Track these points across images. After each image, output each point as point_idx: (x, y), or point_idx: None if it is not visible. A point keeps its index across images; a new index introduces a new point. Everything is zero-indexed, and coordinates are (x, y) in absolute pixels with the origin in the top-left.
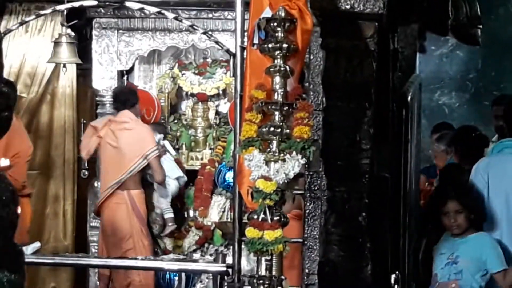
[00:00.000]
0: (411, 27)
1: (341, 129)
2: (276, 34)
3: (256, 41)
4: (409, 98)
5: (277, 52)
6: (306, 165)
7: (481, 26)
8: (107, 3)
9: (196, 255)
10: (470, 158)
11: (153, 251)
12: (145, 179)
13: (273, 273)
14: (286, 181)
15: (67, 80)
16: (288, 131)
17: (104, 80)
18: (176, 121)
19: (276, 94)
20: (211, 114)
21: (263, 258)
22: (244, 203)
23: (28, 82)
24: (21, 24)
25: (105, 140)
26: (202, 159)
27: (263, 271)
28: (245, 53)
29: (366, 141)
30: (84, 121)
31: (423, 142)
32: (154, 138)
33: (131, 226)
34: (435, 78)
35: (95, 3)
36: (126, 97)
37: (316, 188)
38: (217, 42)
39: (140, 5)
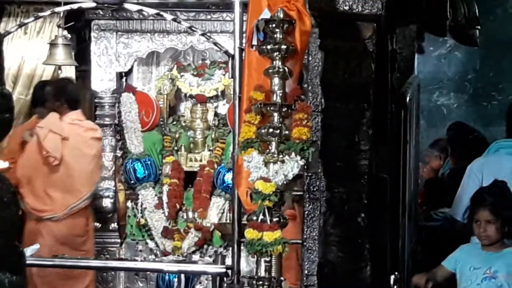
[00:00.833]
0: (410, 28)
1: (340, 130)
2: (275, 36)
3: (254, 42)
4: (407, 99)
5: (275, 54)
6: (305, 166)
7: (479, 27)
8: (106, 5)
9: (195, 257)
10: (467, 159)
11: None
12: None
13: (273, 274)
14: (285, 182)
15: None
16: (287, 132)
17: (103, 82)
18: (175, 122)
19: (274, 95)
20: (210, 116)
21: (262, 259)
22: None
23: (27, 84)
24: (20, 26)
25: None
26: (201, 160)
27: (262, 272)
28: (243, 54)
29: (365, 142)
30: None
31: (421, 143)
32: None
33: None
34: (433, 79)
35: (94, 5)
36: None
37: (315, 189)
38: (215, 44)
39: (138, 7)
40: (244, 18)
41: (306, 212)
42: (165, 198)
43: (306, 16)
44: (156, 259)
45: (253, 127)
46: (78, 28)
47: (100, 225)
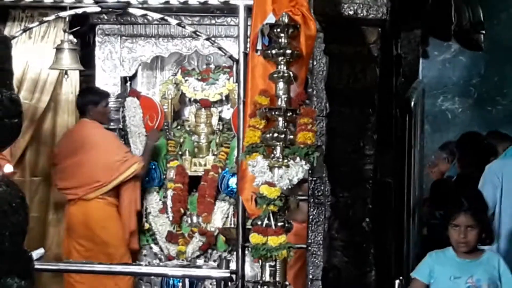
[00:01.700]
0: (414, 32)
1: (345, 135)
2: (280, 40)
3: (259, 47)
4: (412, 103)
5: (280, 58)
6: (310, 171)
7: (484, 32)
8: (110, 9)
9: (200, 261)
10: (474, 166)
11: None
12: None
13: (277, 278)
14: (290, 187)
15: (70, 86)
16: (291, 137)
17: (107, 87)
18: (179, 127)
19: (279, 100)
20: (214, 120)
21: (267, 264)
22: None
23: (31, 89)
24: (25, 30)
25: None
26: (205, 165)
27: (267, 277)
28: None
29: (370, 146)
30: None
31: (426, 148)
32: None
33: None
34: (438, 84)
35: (98, 9)
36: None
37: (319, 193)
38: (220, 48)
39: (143, 12)
40: (249, 23)
41: (311, 217)
42: (169, 203)
43: (311, 21)
44: (161, 264)
45: (258, 132)
46: (83, 33)
47: None
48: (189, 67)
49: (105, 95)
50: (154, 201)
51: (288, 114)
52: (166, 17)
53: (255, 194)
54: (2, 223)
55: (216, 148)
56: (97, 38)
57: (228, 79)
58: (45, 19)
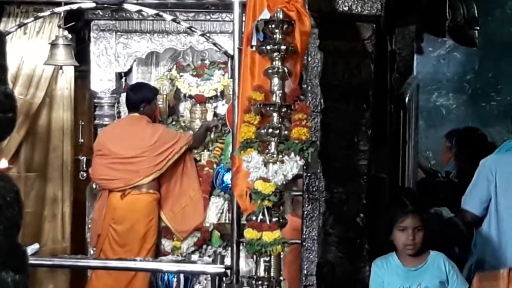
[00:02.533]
0: (409, 28)
1: (339, 130)
2: (274, 36)
3: (254, 42)
4: (406, 99)
5: (275, 54)
6: (304, 167)
7: (478, 28)
8: (105, 5)
9: (195, 257)
10: (470, 163)
11: None
12: None
13: (272, 274)
14: (284, 182)
15: (65, 82)
16: (286, 132)
17: (102, 82)
18: (174, 123)
19: (274, 95)
20: (209, 116)
21: (261, 259)
22: None
23: (26, 84)
24: (20, 26)
25: None
26: (200, 160)
27: (261, 272)
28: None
29: (364, 142)
30: (82, 123)
31: (420, 143)
32: None
33: None
34: (432, 80)
35: (93, 5)
36: None
37: (314, 189)
38: (215, 44)
39: (138, 7)
40: (243, 19)
41: (305, 212)
42: None
43: (305, 17)
44: (155, 259)
45: (252, 127)
46: (78, 28)
47: None
48: (184, 63)
49: (157, 92)
50: None
51: (283, 110)
52: (161, 13)
53: (249, 190)
54: None
55: (211, 144)
56: (92, 34)
57: (223, 75)
58: (40, 14)
